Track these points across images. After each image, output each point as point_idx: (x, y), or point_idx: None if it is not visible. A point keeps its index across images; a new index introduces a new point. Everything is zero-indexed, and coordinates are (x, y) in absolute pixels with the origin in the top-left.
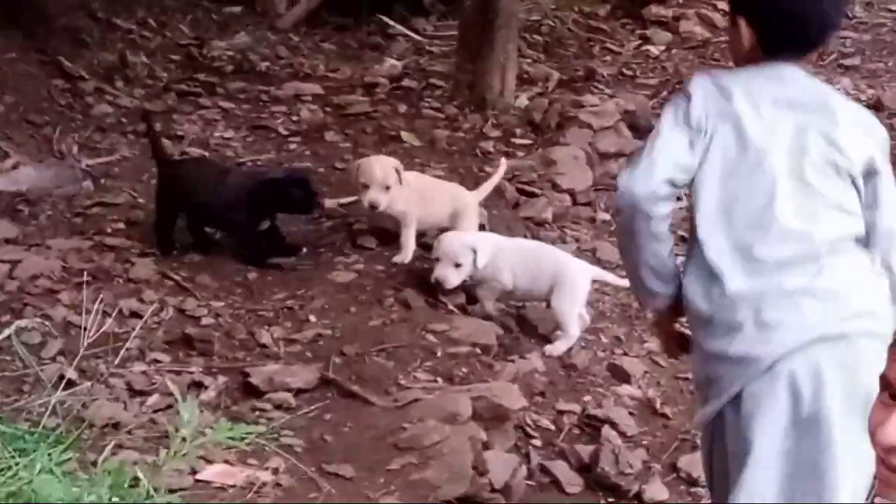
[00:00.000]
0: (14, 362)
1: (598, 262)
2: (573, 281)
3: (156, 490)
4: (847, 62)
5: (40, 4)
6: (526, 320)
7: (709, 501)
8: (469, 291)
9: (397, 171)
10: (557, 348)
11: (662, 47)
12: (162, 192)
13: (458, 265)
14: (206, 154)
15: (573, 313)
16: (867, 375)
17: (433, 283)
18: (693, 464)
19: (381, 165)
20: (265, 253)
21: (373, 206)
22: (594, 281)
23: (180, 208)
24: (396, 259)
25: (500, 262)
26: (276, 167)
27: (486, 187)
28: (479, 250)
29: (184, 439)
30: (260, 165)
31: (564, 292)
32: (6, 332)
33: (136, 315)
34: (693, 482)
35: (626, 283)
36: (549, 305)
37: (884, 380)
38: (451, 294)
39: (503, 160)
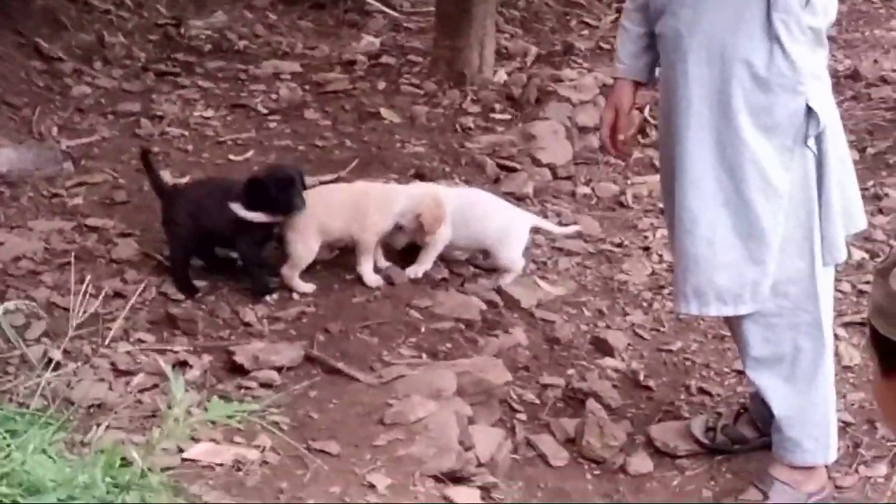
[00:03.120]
0: None
1: (578, 235)
2: (517, 230)
3: (149, 470)
4: None
5: None
6: (508, 295)
7: (691, 472)
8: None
9: None
10: (506, 281)
11: None
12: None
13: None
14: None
15: (518, 257)
16: None
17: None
18: (666, 432)
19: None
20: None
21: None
22: (537, 230)
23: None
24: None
25: None
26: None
27: None
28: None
29: (176, 419)
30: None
31: (510, 242)
32: None
33: (119, 295)
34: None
35: (566, 230)
36: (485, 256)
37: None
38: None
39: None
